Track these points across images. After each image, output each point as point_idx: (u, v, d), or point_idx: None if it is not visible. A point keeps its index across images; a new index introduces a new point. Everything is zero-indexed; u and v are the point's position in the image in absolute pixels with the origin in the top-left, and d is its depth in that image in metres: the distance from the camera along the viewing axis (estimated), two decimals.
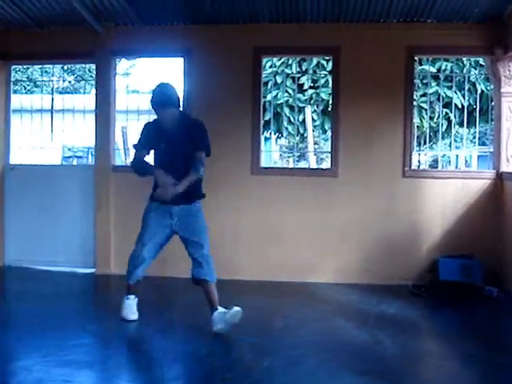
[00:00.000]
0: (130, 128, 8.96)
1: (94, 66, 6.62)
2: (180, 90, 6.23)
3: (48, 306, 4.99)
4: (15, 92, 6.76)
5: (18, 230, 6.60)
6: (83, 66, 15.03)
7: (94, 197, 6.33)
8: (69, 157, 10.57)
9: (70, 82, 17.02)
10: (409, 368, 3.69)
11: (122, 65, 19.18)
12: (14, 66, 6.85)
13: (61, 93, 9.53)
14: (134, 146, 4.47)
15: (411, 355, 3.98)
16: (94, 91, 6.63)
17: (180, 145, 4.33)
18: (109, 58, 6.29)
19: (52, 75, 8.81)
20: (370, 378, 3.39)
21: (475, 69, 10.37)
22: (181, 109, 4.42)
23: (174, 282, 5.70)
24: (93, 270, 6.33)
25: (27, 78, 14.70)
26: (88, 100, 6.99)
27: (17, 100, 7.07)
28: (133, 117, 7.30)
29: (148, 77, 21.75)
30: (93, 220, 6.37)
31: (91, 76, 14.93)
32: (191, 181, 4.21)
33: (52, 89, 8.97)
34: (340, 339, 4.22)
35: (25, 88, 15.14)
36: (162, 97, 4.28)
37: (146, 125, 4.50)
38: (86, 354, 3.75)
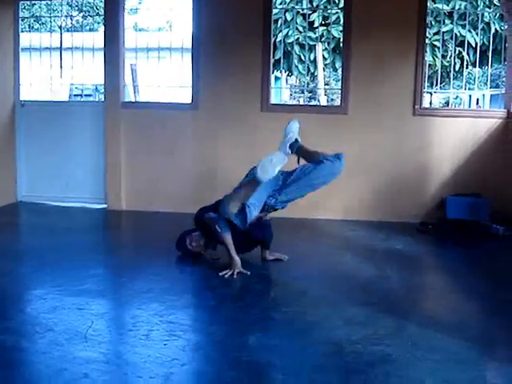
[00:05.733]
0: (139, 66, 8.92)
1: (101, 3, 6.52)
2: (189, 27, 6.18)
3: (61, 239, 5.10)
4: (21, 30, 6.68)
5: (30, 166, 6.69)
6: (89, 1, 14.78)
7: (104, 133, 6.36)
8: (77, 95, 10.52)
9: (77, 20, 16.76)
10: (412, 301, 3.75)
11: (130, 2, 18.82)
12: (21, 2, 6.74)
13: (68, 30, 9.38)
14: None
15: (415, 289, 4.06)
16: (101, 29, 6.55)
17: None
18: None
19: (58, 12, 8.68)
20: (373, 310, 3.45)
21: (489, 8, 10.12)
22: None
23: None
24: (104, 206, 6.43)
25: (32, 15, 14.47)
26: (96, 37, 6.92)
27: (25, 38, 7.00)
28: (142, 55, 7.24)
29: (156, 15, 21.38)
30: (103, 156, 6.42)
31: (98, 13, 14.70)
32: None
33: (60, 26, 8.87)
34: (345, 272, 4.29)
35: (29, 26, 14.86)
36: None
37: None
38: (99, 284, 3.84)
